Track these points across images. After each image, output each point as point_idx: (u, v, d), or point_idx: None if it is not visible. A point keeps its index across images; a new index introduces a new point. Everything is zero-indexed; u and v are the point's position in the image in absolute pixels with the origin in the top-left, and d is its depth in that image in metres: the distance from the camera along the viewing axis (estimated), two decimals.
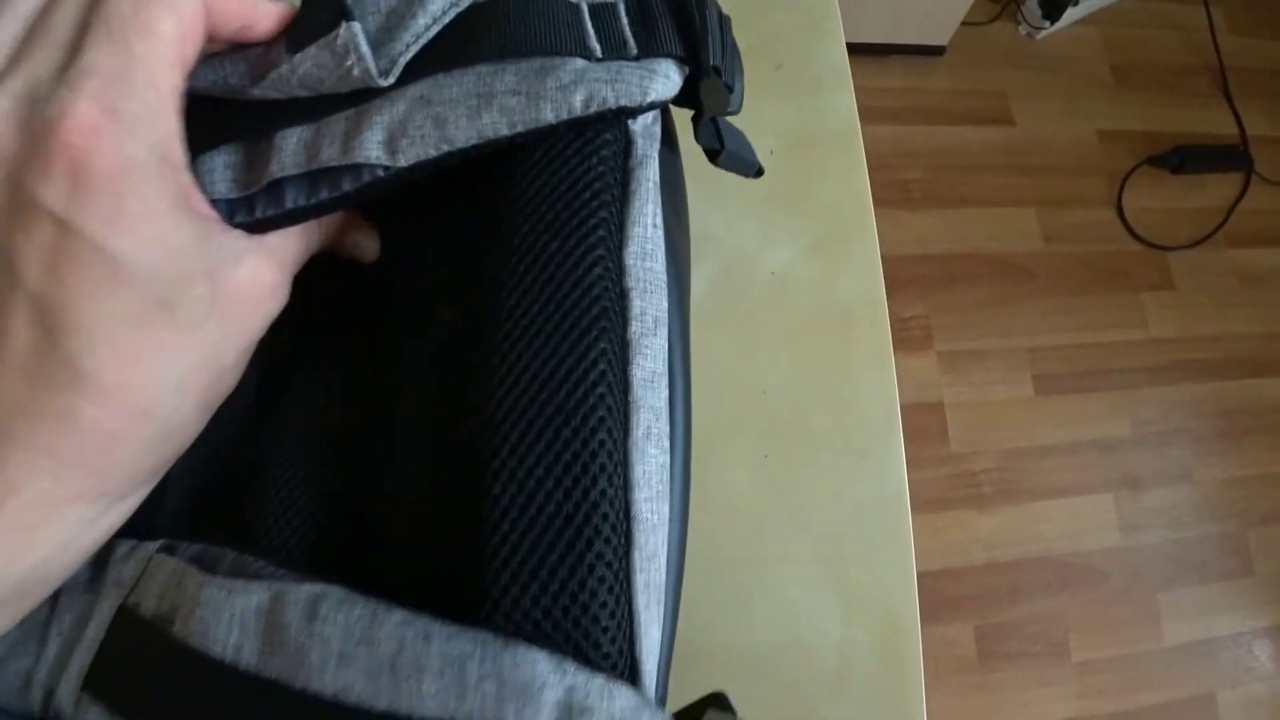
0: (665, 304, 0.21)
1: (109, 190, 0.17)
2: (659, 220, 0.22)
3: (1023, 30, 1.39)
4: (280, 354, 0.25)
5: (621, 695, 0.17)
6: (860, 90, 0.44)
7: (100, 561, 0.21)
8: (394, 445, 0.21)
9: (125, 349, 0.18)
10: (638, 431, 0.19)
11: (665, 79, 0.22)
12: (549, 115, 0.19)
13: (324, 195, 0.19)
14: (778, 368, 0.38)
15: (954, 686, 0.98)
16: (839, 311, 0.39)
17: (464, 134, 0.19)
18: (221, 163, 0.20)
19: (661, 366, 0.21)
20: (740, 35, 0.24)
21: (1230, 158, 1.35)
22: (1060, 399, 1.10)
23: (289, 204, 0.20)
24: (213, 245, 0.19)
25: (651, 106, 0.22)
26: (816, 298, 0.40)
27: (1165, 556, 1.08)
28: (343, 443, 0.23)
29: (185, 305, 0.19)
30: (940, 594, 1.00)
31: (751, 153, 0.26)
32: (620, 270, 0.21)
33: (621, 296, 0.20)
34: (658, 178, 0.22)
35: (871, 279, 0.40)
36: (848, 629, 0.35)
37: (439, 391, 0.20)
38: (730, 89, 0.23)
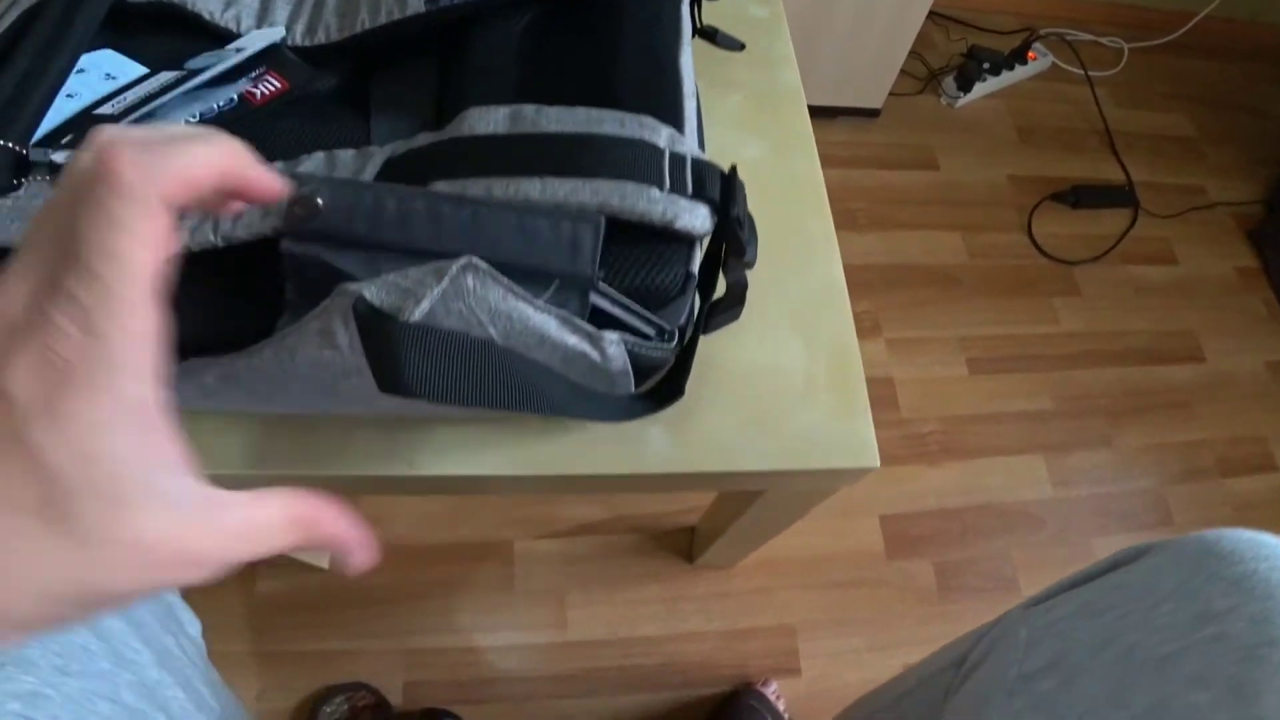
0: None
1: (52, 381, 0.18)
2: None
3: (943, 100, 1.70)
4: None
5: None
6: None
7: None
8: None
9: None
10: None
11: (704, 218, 0.38)
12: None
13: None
14: (758, 219, 0.59)
15: (919, 616, 1.13)
16: (793, 184, 0.61)
17: None
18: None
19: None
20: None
21: (1120, 196, 1.63)
22: (990, 378, 1.31)
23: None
24: (149, 479, 0.19)
25: (688, 232, 0.38)
26: (777, 176, 0.61)
27: (1094, 508, 1.26)
28: None
29: (81, 519, 0.18)
30: (903, 534, 1.17)
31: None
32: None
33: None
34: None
35: (811, 165, 0.62)
36: (810, 359, 0.55)
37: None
38: (741, 225, 0.39)
